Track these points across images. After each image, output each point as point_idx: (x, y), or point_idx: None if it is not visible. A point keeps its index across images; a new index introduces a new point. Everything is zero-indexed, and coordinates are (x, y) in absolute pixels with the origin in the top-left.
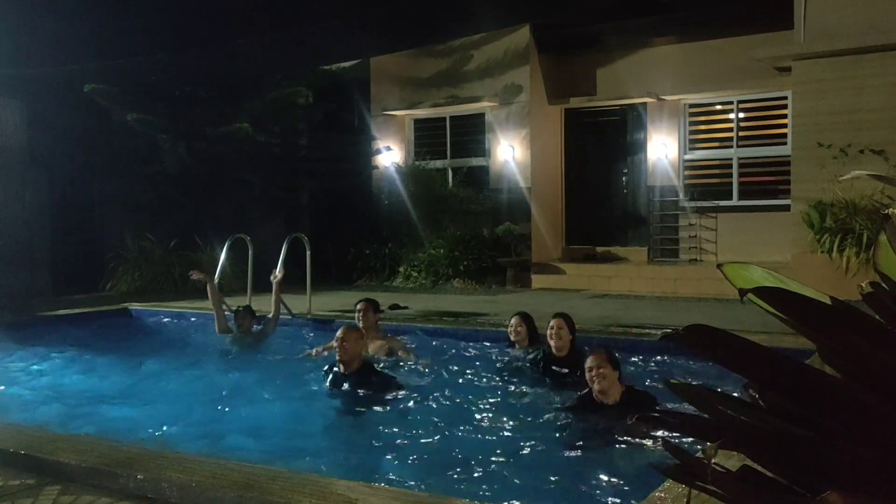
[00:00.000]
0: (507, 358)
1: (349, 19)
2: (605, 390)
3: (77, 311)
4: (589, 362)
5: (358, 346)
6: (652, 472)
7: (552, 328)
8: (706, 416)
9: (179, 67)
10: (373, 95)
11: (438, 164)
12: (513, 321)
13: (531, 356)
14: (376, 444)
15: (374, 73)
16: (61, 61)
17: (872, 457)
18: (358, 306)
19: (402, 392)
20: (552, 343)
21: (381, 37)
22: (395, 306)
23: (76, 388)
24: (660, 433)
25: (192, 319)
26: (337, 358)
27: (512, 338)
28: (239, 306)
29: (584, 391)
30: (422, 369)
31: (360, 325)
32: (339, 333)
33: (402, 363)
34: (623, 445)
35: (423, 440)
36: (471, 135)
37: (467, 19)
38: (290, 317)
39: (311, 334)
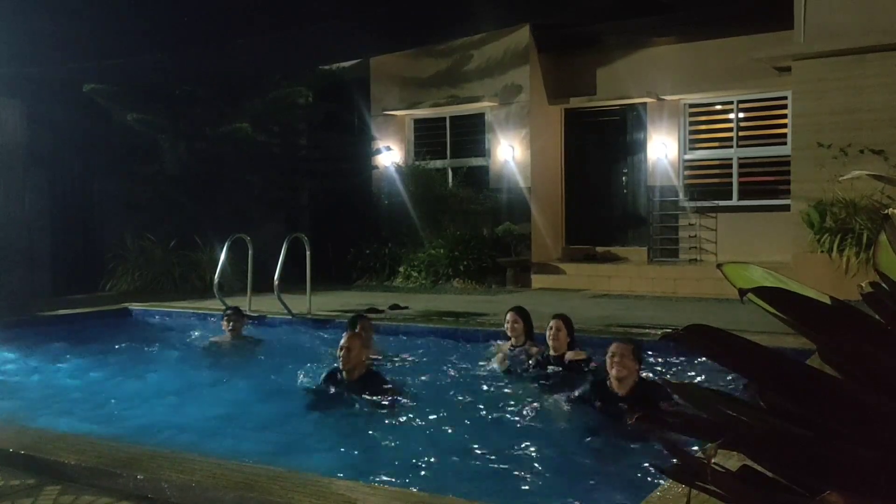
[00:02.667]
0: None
1: (349, 19)
2: (621, 378)
3: (77, 310)
4: (612, 348)
5: (361, 354)
6: (652, 472)
7: (551, 329)
8: (706, 415)
9: (179, 67)
10: (373, 95)
11: (438, 164)
12: (508, 316)
13: (531, 359)
14: (376, 445)
15: (374, 73)
16: (61, 61)
17: (872, 457)
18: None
19: (401, 392)
20: (550, 343)
21: (381, 37)
22: (395, 306)
23: (76, 388)
24: (660, 433)
25: (192, 319)
26: (340, 366)
27: (508, 333)
28: (227, 308)
29: (600, 378)
30: (421, 371)
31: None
32: (342, 341)
33: (395, 363)
34: (623, 445)
35: (422, 440)
36: (471, 135)
37: (467, 19)
38: (290, 317)
39: (310, 334)
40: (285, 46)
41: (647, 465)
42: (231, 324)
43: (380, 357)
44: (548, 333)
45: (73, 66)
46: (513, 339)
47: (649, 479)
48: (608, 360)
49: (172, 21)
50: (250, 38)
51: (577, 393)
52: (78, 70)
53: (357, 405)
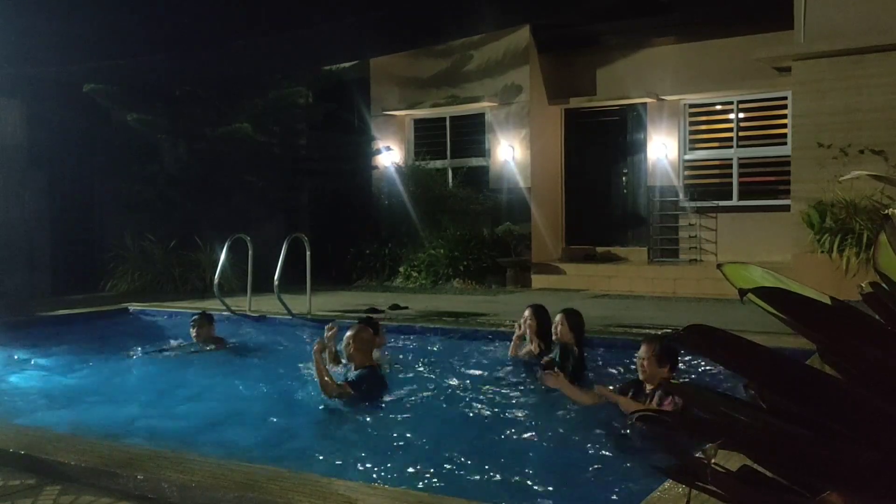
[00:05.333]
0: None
1: (349, 20)
2: (646, 379)
3: (76, 311)
4: (638, 351)
5: (366, 346)
6: (652, 472)
7: (555, 323)
8: (706, 416)
9: (180, 69)
10: (373, 95)
11: (438, 164)
12: (525, 313)
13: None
14: (376, 445)
15: (374, 73)
16: (61, 62)
17: (872, 457)
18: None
19: (401, 392)
20: (553, 337)
21: (381, 38)
22: (395, 306)
23: (76, 388)
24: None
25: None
26: (345, 355)
27: (519, 330)
28: (195, 314)
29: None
30: (421, 371)
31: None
32: (346, 334)
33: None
34: (623, 445)
35: (423, 440)
36: (471, 135)
37: (468, 20)
38: (290, 317)
39: (311, 334)
40: (286, 48)
41: (647, 465)
42: (196, 329)
43: (386, 367)
44: (552, 328)
45: (73, 67)
46: (525, 335)
47: (649, 479)
48: (636, 361)
49: (173, 22)
50: (251, 40)
51: (618, 386)
52: (78, 70)
53: (355, 399)
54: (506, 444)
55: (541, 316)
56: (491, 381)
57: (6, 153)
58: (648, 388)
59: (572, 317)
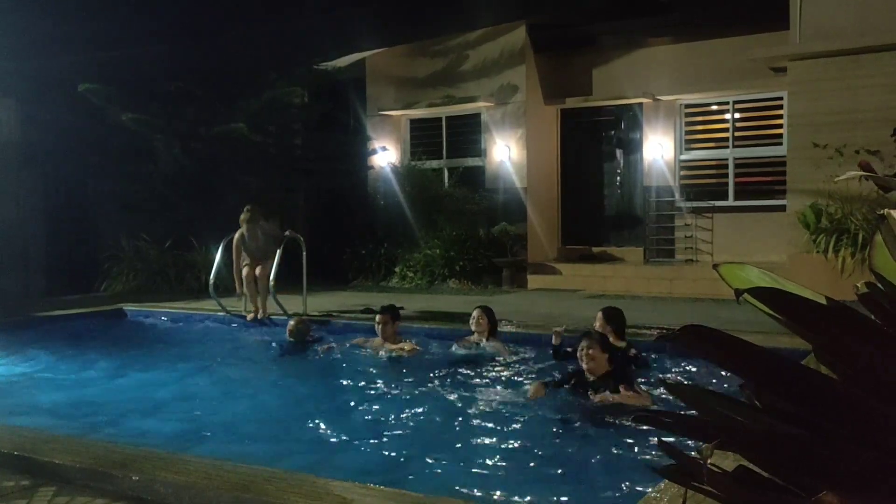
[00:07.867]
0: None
1: (342, 11)
2: (592, 370)
3: (72, 311)
4: (581, 342)
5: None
6: (648, 473)
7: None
8: (702, 416)
9: (174, 59)
10: (368, 95)
11: (434, 164)
12: (475, 313)
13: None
14: (373, 444)
15: (370, 73)
16: (54, 54)
17: (868, 457)
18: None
19: (400, 391)
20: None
21: (375, 28)
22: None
23: (71, 389)
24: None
25: (187, 320)
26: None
27: (473, 328)
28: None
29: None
30: (420, 370)
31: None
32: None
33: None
34: (619, 445)
35: (420, 440)
36: (467, 135)
37: (462, 12)
38: (285, 317)
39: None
40: (278, 38)
41: (643, 465)
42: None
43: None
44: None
45: (66, 58)
46: (475, 335)
47: (645, 479)
48: (578, 355)
49: (165, 13)
50: (243, 30)
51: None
52: (72, 64)
53: (353, 397)
54: (502, 444)
55: (491, 315)
56: (487, 381)
57: (0, 152)
58: (591, 375)
59: (611, 315)
